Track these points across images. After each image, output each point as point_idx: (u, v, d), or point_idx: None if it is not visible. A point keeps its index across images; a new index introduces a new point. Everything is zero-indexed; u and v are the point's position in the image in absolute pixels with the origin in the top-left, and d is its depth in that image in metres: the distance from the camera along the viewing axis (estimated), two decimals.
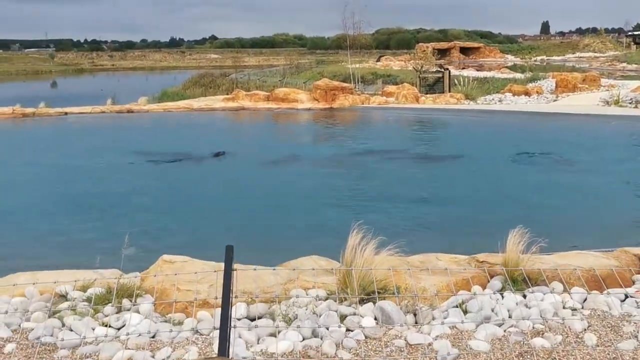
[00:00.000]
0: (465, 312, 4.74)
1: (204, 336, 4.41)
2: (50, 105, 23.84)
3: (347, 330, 4.44)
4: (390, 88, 26.05)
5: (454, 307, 4.79)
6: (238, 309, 4.74)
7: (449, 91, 26.24)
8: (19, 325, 4.58)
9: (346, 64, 37.32)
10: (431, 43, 76.23)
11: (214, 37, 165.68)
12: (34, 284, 4.90)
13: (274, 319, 4.64)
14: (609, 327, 4.42)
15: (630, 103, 21.92)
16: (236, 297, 4.46)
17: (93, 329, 4.49)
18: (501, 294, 5.01)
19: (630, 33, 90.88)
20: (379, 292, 4.76)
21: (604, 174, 12.01)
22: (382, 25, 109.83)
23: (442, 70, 28.96)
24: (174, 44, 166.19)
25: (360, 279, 4.94)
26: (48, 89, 49.73)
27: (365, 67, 39.79)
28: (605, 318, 4.57)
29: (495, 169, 12.89)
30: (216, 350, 3.16)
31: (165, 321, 4.74)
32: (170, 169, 13.37)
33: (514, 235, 5.47)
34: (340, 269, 5.18)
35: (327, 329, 4.40)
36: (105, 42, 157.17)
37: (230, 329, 2.99)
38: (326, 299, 4.95)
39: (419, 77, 27.75)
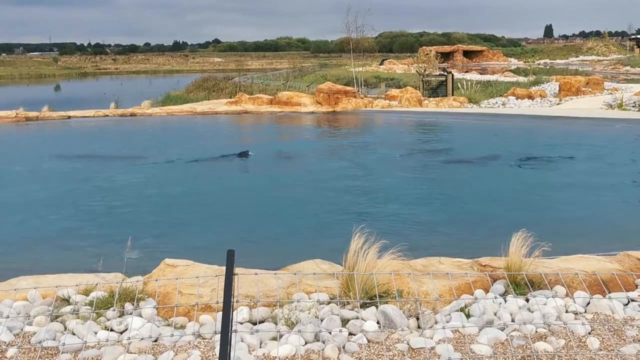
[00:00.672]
0: (467, 316, 4.73)
1: (206, 340, 4.41)
2: (53, 108, 23.94)
3: (350, 334, 4.43)
4: (394, 91, 26.07)
5: (456, 311, 4.78)
6: (240, 313, 4.74)
7: (452, 95, 26.23)
8: (21, 329, 4.58)
9: (349, 67, 37.32)
10: (434, 46, 76.08)
11: (217, 41, 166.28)
12: (36, 287, 4.90)
13: (276, 323, 4.64)
14: (611, 331, 4.40)
15: (633, 106, 21.88)
16: (238, 301, 4.46)
17: (95, 333, 4.50)
18: (504, 298, 5.00)
19: (633, 36, 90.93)
20: (381, 296, 4.75)
21: (608, 176, 11.99)
22: (385, 28, 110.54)
23: (446, 73, 28.90)
24: (178, 47, 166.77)
25: (362, 282, 4.94)
26: (51, 92, 49.81)
27: (368, 71, 39.72)
28: (608, 322, 4.55)
29: (500, 172, 12.87)
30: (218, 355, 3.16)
31: (168, 325, 4.74)
32: (193, 169, 13.48)
33: (517, 239, 5.46)
34: (342, 273, 5.18)
35: (330, 332, 4.39)
36: (109, 45, 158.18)
37: (231, 333, 2.99)
38: (328, 302, 4.94)
39: (422, 80, 27.72)
